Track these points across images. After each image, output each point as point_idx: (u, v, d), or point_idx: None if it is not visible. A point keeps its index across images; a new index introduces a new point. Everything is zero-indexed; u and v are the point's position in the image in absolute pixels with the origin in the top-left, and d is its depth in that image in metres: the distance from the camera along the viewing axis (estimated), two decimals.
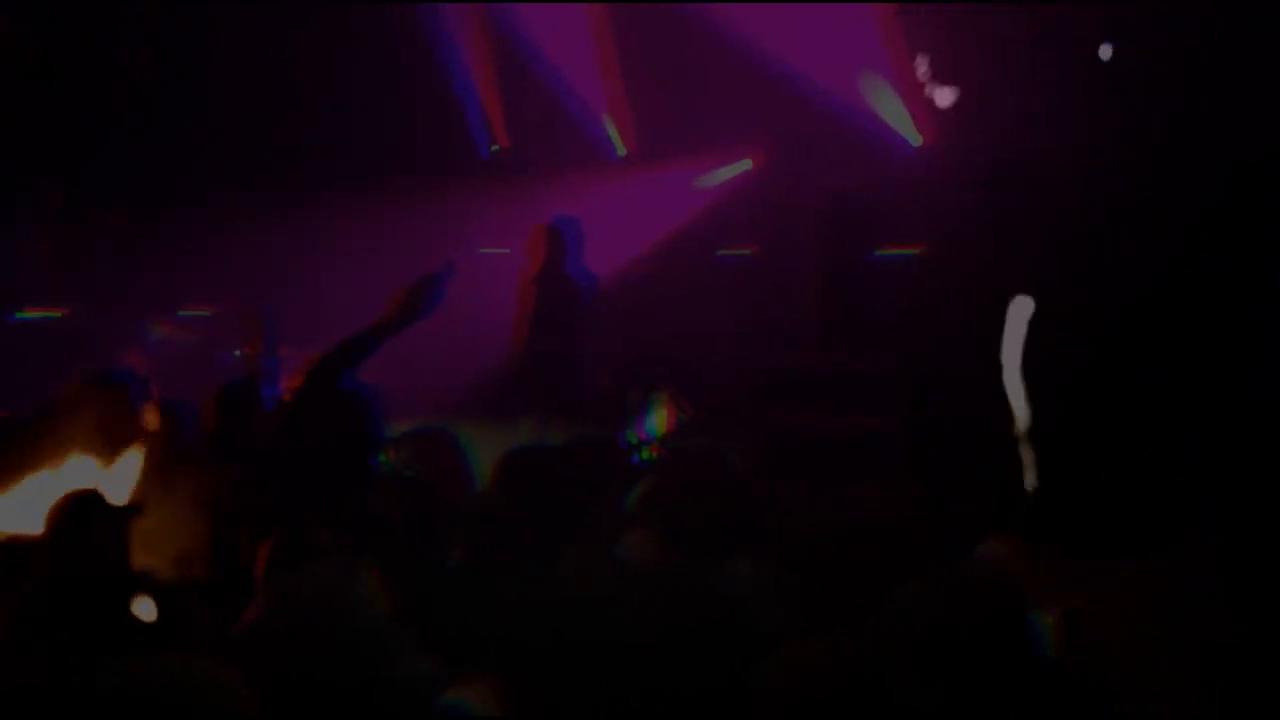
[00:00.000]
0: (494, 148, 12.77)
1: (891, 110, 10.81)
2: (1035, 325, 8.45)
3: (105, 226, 12.15)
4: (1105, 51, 8.88)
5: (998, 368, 8.41)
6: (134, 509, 5.01)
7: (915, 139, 10.81)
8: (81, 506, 4.84)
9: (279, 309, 8.26)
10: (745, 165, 11.82)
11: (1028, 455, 7.58)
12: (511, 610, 3.57)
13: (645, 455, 7.93)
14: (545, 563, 4.29)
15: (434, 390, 8.86)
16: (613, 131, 12.32)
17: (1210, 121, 8.52)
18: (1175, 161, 8.43)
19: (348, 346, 5.60)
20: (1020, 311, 8.24)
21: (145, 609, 4.40)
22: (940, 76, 10.15)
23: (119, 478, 5.95)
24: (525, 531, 4.48)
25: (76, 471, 6.04)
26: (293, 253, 11.66)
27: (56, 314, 11.51)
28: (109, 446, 5.75)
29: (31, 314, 11.50)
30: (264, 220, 11.59)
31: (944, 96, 9.57)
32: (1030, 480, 7.11)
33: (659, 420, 8.30)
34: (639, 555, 4.32)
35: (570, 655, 3.27)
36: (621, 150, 12.35)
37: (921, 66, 9.65)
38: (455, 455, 5.67)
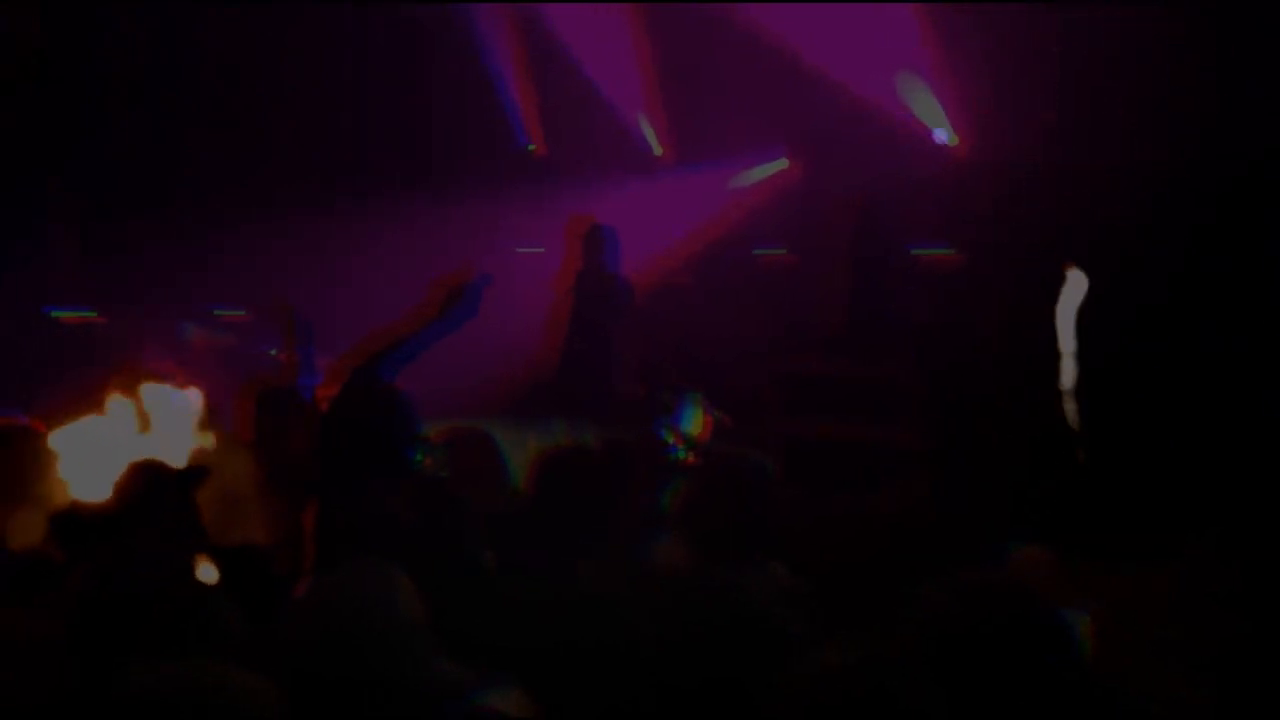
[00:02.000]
0: (529, 148, 12.78)
1: (927, 110, 10.77)
2: (1041, 332, 8.42)
3: (138, 228, 12.20)
4: None
5: (1023, 372, 8.38)
6: (199, 471, 5.10)
7: (951, 139, 10.77)
8: (147, 473, 4.92)
9: (314, 308, 8.27)
10: (782, 164, 11.79)
11: (1046, 459, 7.56)
12: (542, 612, 3.57)
13: (681, 455, 7.91)
14: (579, 565, 4.29)
15: (469, 391, 8.85)
16: (649, 131, 12.31)
17: (1231, 128, 8.48)
18: (1192, 169, 8.39)
19: (386, 352, 5.62)
20: (1074, 291, 8.21)
21: (208, 573, 4.46)
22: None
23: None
24: (560, 534, 4.47)
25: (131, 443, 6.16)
26: (329, 253, 11.68)
27: (88, 314, 11.55)
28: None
29: (63, 314, 11.55)
30: (300, 221, 11.63)
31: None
32: (1048, 484, 7.10)
33: (694, 422, 8.28)
34: (672, 559, 4.32)
35: (598, 657, 3.27)
36: (658, 150, 12.34)
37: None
38: (491, 456, 5.67)
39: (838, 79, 10.71)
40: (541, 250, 11.16)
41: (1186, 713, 3.10)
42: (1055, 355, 8.17)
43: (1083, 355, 8.08)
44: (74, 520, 4.73)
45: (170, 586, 3.39)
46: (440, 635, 3.33)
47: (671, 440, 8.01)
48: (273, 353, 8.93)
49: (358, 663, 3.14)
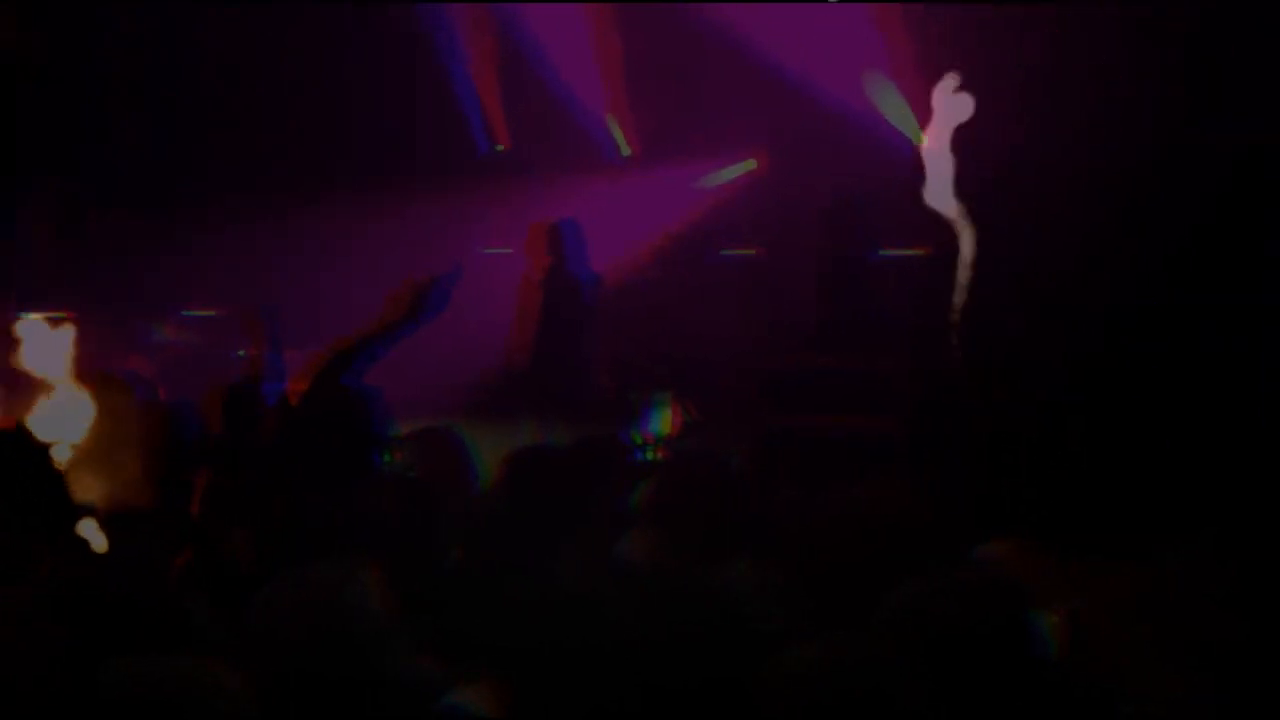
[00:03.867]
0: (497, 148, 12.76)
1: (894, 110, 10.80)
2: (1038, 325, 8.44)
3: (108, 227, 12.15)
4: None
5: (1001, 367, 8.39)
6: (60, 441, 5.04)
7: (918, 138, 10.79)
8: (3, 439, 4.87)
9: (281, 309, 8.27)
10: (749, 165, 11.80)
11: (1030, 454, 7.56)
12: (512, 611, 3.57)
13: (649, 455, 7.93)
14: (547, 563, 4.29)
15: (437, 390, 8.84)
16: (616, 132, 12.31)
17: (1210, 119, 8.51)
18: (1175, 160, 8.41)
19: (354, 349, 5.60)
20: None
21: (91, 533, 4.46)
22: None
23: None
24: (528, 532, 4.48)
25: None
26: (295, 253, 11.65)
27: (59, 315, 11.51)
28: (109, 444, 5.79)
29: (34, 315, 11.49)
30: (266, 220, 11.59)
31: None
32: (1032, 480, 7.10)
33: (663, 420, 8.30)
34: (640, 556, 4.32)
35: (571, 656, 3.26)
36: (625, 150, 12.34)
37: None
38: (459, 455, 5.67)
39: (809, 78, 10.73)
40: (509, 251, 11.15)
41: (1185, 713, 3.11)
42: (1048, 353, 8.18)
43: (1081, 354, 8.09)
44: None
45: (148, 584, 3.38)
46: (418, 634, 3.33)
47: (639, 440, 8.03)
48: (241, 354, 8.93)
49: (329, 661, 3.13)
